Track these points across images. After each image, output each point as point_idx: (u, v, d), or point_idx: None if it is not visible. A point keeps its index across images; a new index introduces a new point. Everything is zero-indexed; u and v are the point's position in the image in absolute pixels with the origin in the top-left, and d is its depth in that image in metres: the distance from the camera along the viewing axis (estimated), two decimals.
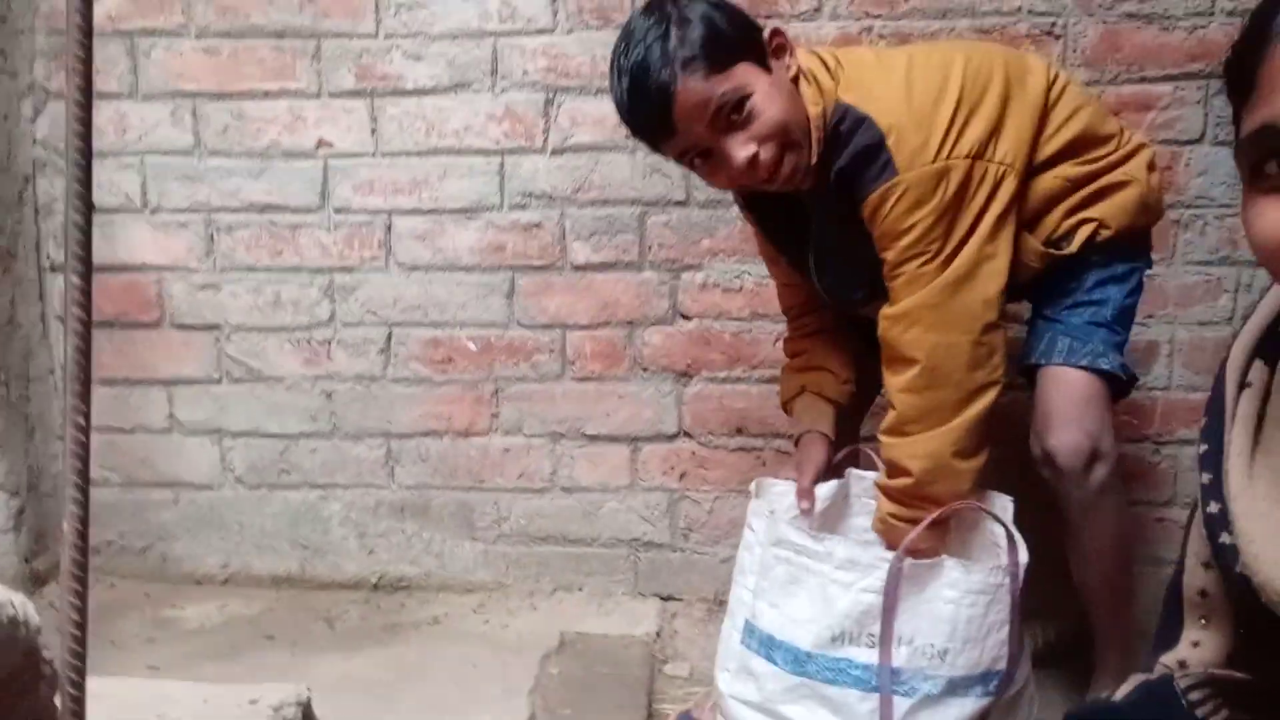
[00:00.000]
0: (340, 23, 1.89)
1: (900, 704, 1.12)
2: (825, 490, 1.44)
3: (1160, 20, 1.75)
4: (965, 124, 1.19)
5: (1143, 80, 1.77)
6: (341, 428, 2.01)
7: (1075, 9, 1.76)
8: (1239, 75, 0.61)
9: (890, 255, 1.22)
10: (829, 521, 1.45)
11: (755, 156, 1.18)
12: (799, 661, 1.16)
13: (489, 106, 1.89)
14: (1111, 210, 1.30)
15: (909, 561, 1.15)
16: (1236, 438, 0.65)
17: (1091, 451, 1.28)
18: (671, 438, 1.96)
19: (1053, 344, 1.33)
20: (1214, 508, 0.65)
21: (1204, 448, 0.68)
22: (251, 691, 1.05)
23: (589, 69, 1.86)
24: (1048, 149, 1.27)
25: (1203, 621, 0.75)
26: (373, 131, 1.92)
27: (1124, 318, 1.34)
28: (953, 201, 1.18)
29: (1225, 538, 0.63)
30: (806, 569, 1.20)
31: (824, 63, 1.26)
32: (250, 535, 2.05)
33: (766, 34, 1.23)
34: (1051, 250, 1.30)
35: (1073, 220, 1.30)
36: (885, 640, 1.14)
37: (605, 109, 1.86)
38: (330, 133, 1.93)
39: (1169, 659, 0.77)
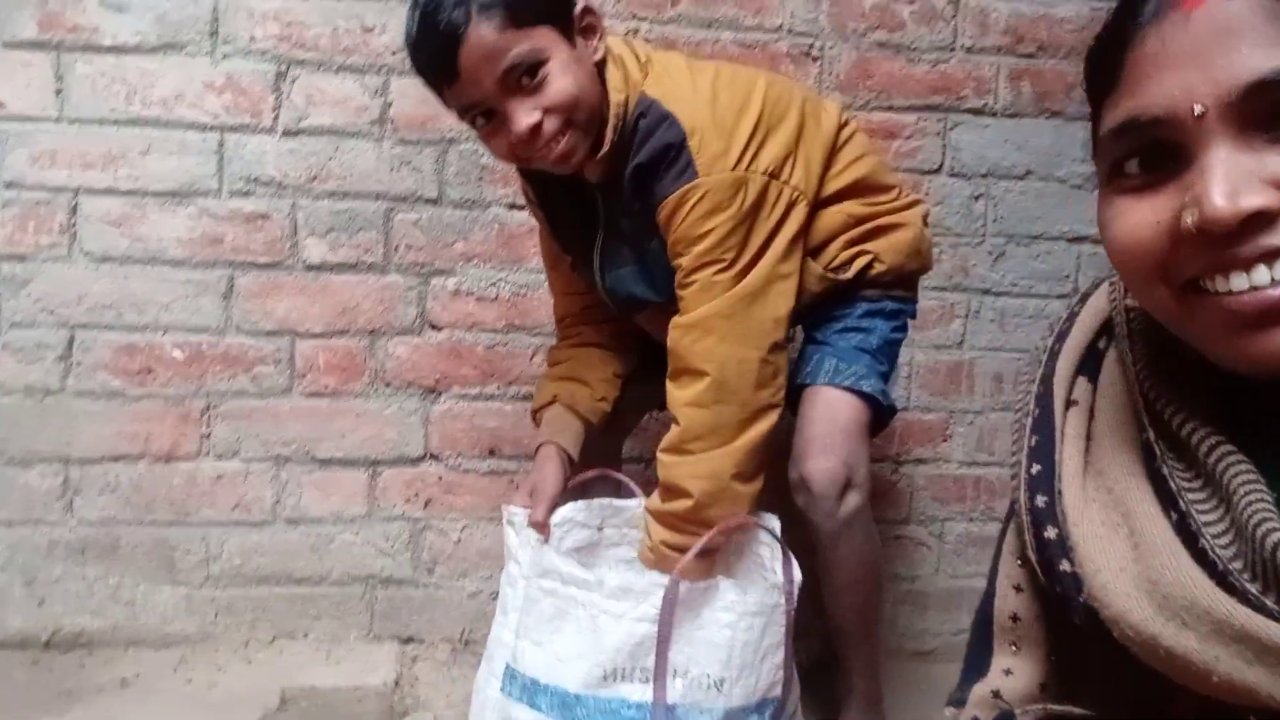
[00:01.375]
0: None
1: None
2: (572, 514, 1.32)
3: (907, 51, 1.82)
4: (764, 142, 1.20)
5: (890, 109, 1.83)
6: (4, 450, 1.64)
7: (832, 33, 1.80)
8: (1102, 66, 0.57)
9: (685, 261, 1.19)
10: (582, 556, 1.33)
11: (539, 125, 1.13)
12: (567, 706, 1.04)
13: (206, 74, 1.63)
14: (887, 247, 1.35)
15: (684, 585, 1.06)
16: (1068, 459, 0.62)
17: (845, 480, 1.28)
18: (416, 461, 1.77)
19: (819, 365, 1.34)
20: (1051, 533, 0.61)
21: (1036, 468, 0.64)
22: None
23: (329, 42, 1.65)
24: (833, 185, 1.31)
25: (1013, 648, 0.71)
26: (58, 92, 1.60)
27: (889, 350, 1.38)
28: (749, 213, 1.18)
29: (1065, 565, 0.58)
30: (574, 600, 1.08)
31: (635, 54, 1.23)
32: None
33: (578, 9, 1.17)
34: (830, 275, 1.32)
35: (851, 251, 1.33)
36: (660, 675, 1.04)
37: (348, 89, 1.67)
38: (2, 90, 1.58)
39: (980, 689, 0.71)
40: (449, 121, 1.70)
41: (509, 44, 1.09)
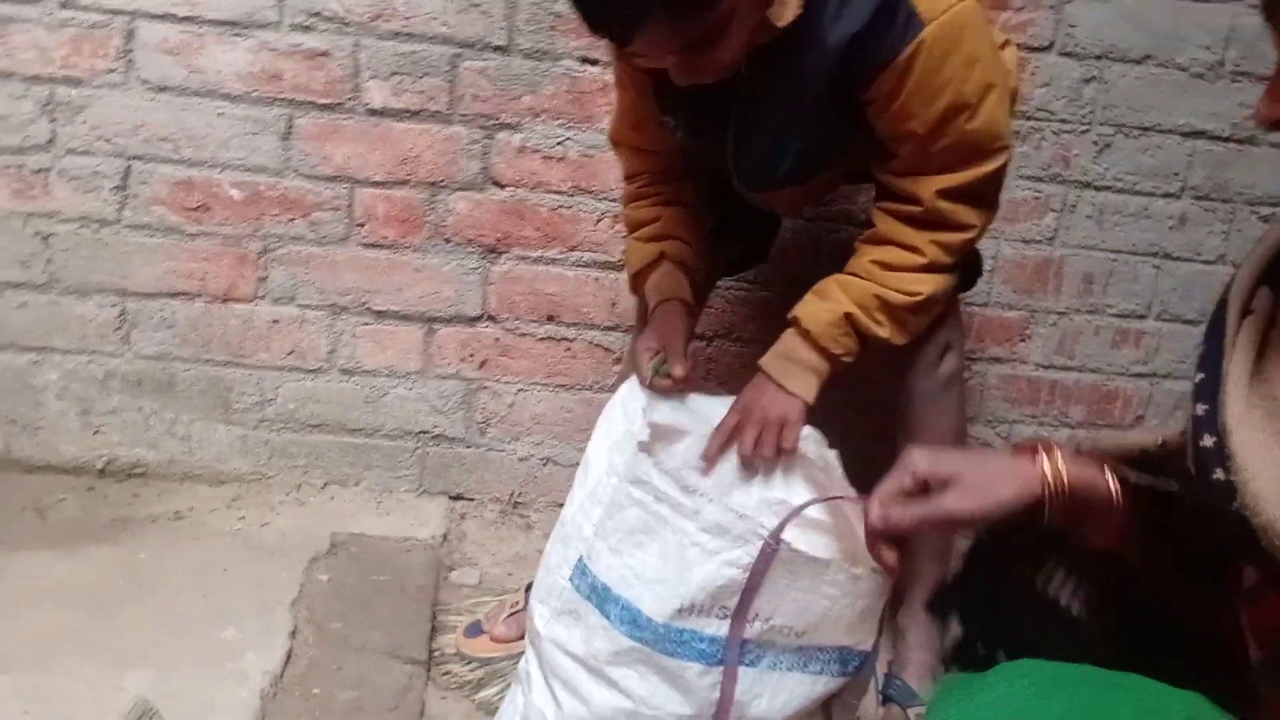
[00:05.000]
0: None
1: (745, 681, 0.98)
2: (668, 401, 1.24)
3: None
4: None
5: None
6: (61, 279, 1.64)
7: None
8: None
9: (919, 123, 1.11)
10: (677, 438, 1.25)
11: (716, 69, 1.05)
12: (637, 625, 0.97)
13: None
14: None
15: (788, 547, 0.97)
16: (1235, 367, 0.59)
17: (945, 341, 1.29)
18: (473, 320, 1.74)
19: None
20: (1208, 441, 0.58)
21: (1200, 376, 0.61)
22: None
23: None
24: None
25: None
26: None
27: None
28: (973, 47, 1.09)
29: (1219, 474, 0.56)
30: (665, 521, 0.99)
31: None
32: None
33: None
34: None
35: None
36: (740, 615, 0.97)
37: None
38: None
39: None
40: None
41: (687, 31, 0.98)
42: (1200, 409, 0.60)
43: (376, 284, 1.69)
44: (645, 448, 1.01)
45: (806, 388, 1.18)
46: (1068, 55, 1.72)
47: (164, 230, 1.64)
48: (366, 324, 1.72)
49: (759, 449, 1.15)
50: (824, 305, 1.18)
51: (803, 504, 1.01)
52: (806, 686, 1.02)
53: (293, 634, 1.34)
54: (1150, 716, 0.54)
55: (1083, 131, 1.75)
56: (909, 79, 1.08)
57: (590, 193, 1.69)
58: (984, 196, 1.19)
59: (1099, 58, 1.71)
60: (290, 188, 1.64)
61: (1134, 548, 0.72)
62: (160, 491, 1.68)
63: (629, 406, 1.17)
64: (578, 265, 1.73)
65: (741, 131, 1.22)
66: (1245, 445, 0.56)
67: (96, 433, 1.70)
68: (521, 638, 1.37)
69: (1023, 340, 1.86)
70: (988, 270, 1.79)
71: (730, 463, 1.17)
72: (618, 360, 1.77)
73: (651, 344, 1.23)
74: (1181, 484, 0.65)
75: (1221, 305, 0.63)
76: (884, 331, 1.18)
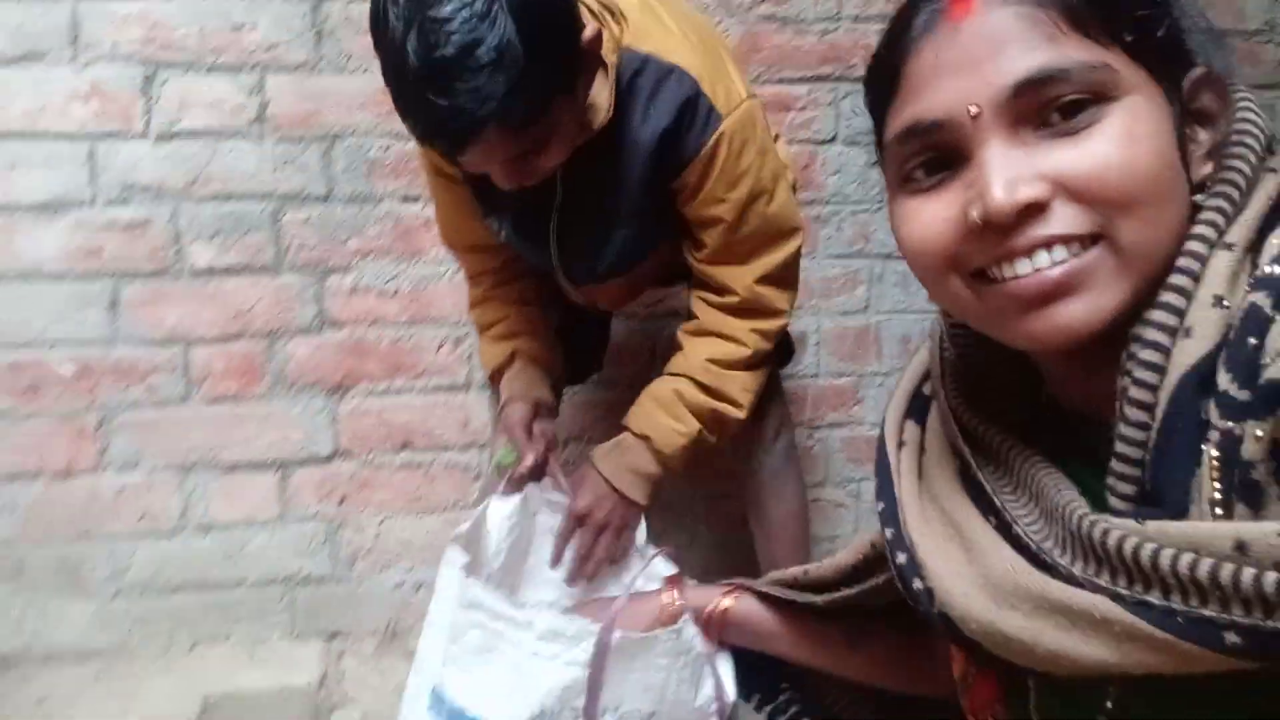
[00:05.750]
0: None
1: None
2: (508, 510, 1.30)
3: (794, 23, 1.82)
4: (733, 61, 1.22)
5: (781, 81, 1.83)
6: None
7: (719, 8, 1.78)
8: (882, 78, 0.61)
9: (726, 208, 1.19)
10: (516, 545, 1.32)
11: (541, 173, 1.10)
12: None
13: (71, 82, 1.57)
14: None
15: (619, 634, 1.04)
16: (905, 490, 0.68)
17: (778, 419, 1.43)
18: (327, 459, 1.76)
19: None
20: (901, 558, 0.65)
21: (880, 505, 0.70)
22: None
23: (196, 42, 1.60)
24: None
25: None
26: None
27: None
28: (763, 136, 1.20)
29: (918, 583, 0.63)
30: (503, 638, 1.04)
31: (606, 8, 1.15)
32: None
33: (583, 50, 1.05)
34: None
35: None
36: (590, 712, 1.03)
37: (220, 90, 1.62)
38: None
39: None
40: (332, 116, 1.68)
41: (520, 141, 1.02)
42: (889, 533, 0.67)
43: (223, 438, 1.71)
44: (468, 570, 1.07)
45: (646, 495, 1.25)
46: (852, 144, 1.89)
47: None
48: (217, 479, 1.72)
49: (596, 553, 1.21)
50: (673, 426, 1.25)
51: (624, 594, 1.08)
52: None
53: None
54: None
55: (877, 209, 1.91)
56: (714, 167, 1.16)
57: (429, 321, 1.76)
58: (788, 279, 1.29)
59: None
60: (123, 356, 1.65)
61: (827, 659, 0.90)
62: (20, 680, 1.63)
63: (461, 533, 1.23)
64: (425, 391, 1.78)
65: (564, 227, 1.28)
66: (929, 554, 0.62)
67: None
68: None
69: (856, 404, 1.98)
70: (814, 344, 1.92)
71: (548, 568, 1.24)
72: (477, 477, 1.82)
73: (499, 439, 1.31)
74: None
75: (879, 444, 0.73)
76: (717, 441, 1.28)
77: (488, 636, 1.06)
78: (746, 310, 1.27)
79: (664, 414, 1.26)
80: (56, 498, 1.66)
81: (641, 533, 1.26)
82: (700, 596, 1.01)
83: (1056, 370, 0.64)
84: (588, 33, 1.05)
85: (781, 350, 1.42)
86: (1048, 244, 0.54)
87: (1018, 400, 0.66)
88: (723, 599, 0.97)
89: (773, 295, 1.27)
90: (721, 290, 1.26)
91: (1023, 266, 0.54)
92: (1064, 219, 0.53)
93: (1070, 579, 0.53)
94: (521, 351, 1.38)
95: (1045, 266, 0.54)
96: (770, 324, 1.28)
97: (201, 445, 1.70)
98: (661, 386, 1.28)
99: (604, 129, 1.13)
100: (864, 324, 1.95)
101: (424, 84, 0.94)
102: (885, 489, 0.70)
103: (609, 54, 1.12)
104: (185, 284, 1.66)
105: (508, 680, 1.03)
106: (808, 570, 0.88)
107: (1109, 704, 0.58)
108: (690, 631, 1.04)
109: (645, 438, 1.26)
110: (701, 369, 1.26)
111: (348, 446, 1.77)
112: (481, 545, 1.17)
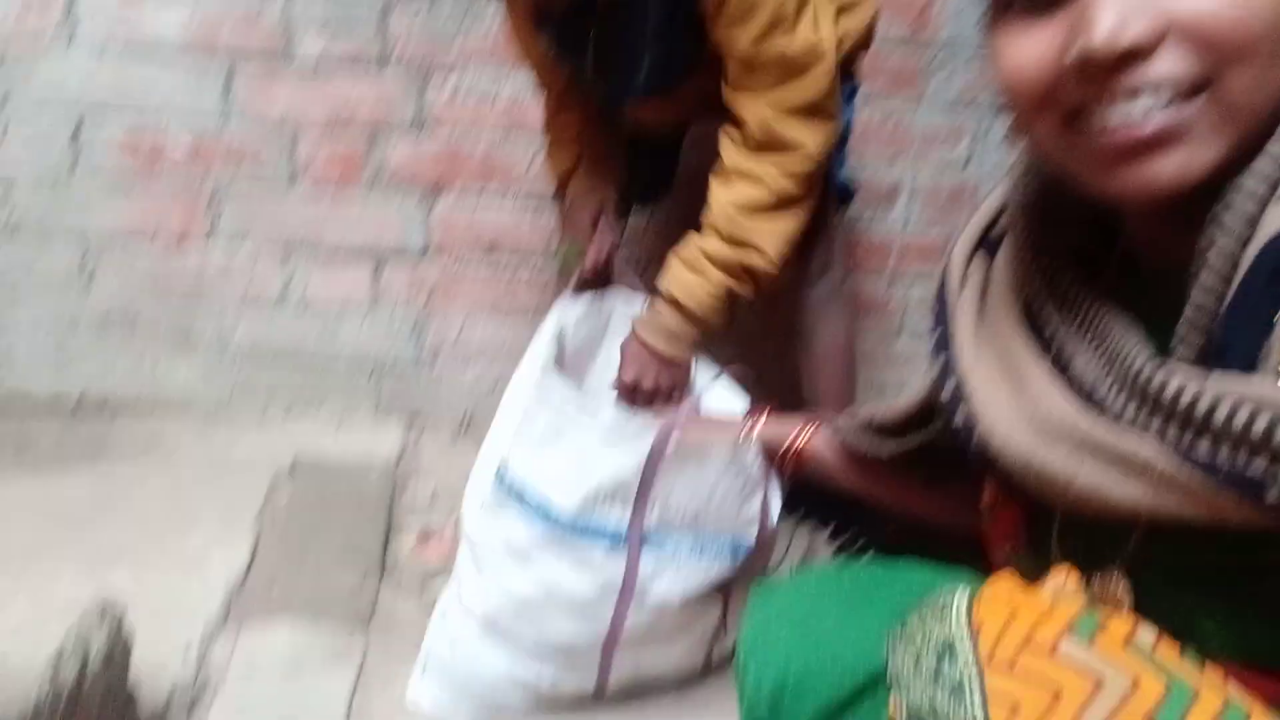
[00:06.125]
0: None
1: (647, 562, 1.13)
2: (579, 308, 1.39)
3: None
4: None
5: None
6: (23, 228, 1.74)
7: None
8: None
9: (745, 34, 1.17)
10: (588, 343, 1.40)
11: None
12: (549, 518, 1.12)
13: None
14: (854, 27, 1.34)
15: (676, 439, 1.10)
16: (961, 326, 0.67)
17: (825, 259, 1.43)
18: (419, 256, 1.85)
19: None
20: (949, 387, 0.67)
21: (938, 331, 0.70)
22: None
23: None
24: None
25: None
26: None
27: (844, 133, 1.40)
28: None
29: (960, 414, 0.64)
30: (570, 426, 1.13)
31: None
32: None
33: None
34: None
35: None
36: (640, 504, 1.12)
37: None
38: None
39: None
40: None
41: None
42: (940, 361, 0.67)
43: (323, 224, 1.80)
44: (553, 363, 1.15)
45: (687, 354, 1.29)
46: None
47: (117, 181, 1.74)
48: (316, 262, 1.82)
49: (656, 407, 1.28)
50: (700, 284, 1.26)
51: (688, 407, 1.15)
52: (701, 573, 1.17)
53: (256, 541, 1.47)
54: (917, 591, 0.62)
55: None
56: None
57: (525, 129, 1.78)
58: (815, 112, 1.22)
59: None
60: (234, 136, 1.73)
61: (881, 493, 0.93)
62: (131, 422, 1.81)
63: (548, 328, 1.31)
64: (516, 197, 1.83)
65: (599, 46, 1.29)
66: (977, 386, 0.63)
67: (68, 369, 1.83)
68: None
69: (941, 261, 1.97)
70: (906, 196, 1.91)
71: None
72: (558, 288, 1.88)
73: (564, 238, 1.36)
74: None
75: (943, 274, 0.72)
76: (752, 292, 1.27)
77: (556, 423, 1.14)
78: (763, 145, 1.23)
79: (690, 273, 1.26)
80: (170, 261, 1.79)
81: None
82: (775, 430, 1.05)
83: (1137, 222, 0.62)
84: None
85: (830, 196, 1.40)
86: (1150, 88, 0.51)
87: (1093, 249, 0.65)
88: (799, 435, 1.01)
89: (791, 129, 1.22)
90: (739, 122, 1.24)
91: (1117, 115, 0.52)
92: (1171, 62, 0.51)
93: (1119, 420, 0.54)
94: (587, 156, 1.43)
95: (1140, 118, 0.52)
96: (791, 161, 1.22)
97: (303, 229, 1.80)
98: (688, 245, 1.28)
99: None
100: (961, 181, 1.92)
101: None
102: (941, 320, 0.69)
103: None
104: (295, 73, 1.70)
105: (569, 464, 1.12)
106: (874, 415, 0.90)
107: (1130, 547, 0.59)
108: (750, 456, 1.11)
109: (674, 300, 1.27)
110: (725, 219, 1.24)
111: (438, 245, 1.84)
112: (557, 343, 1.25)
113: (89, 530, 1.45)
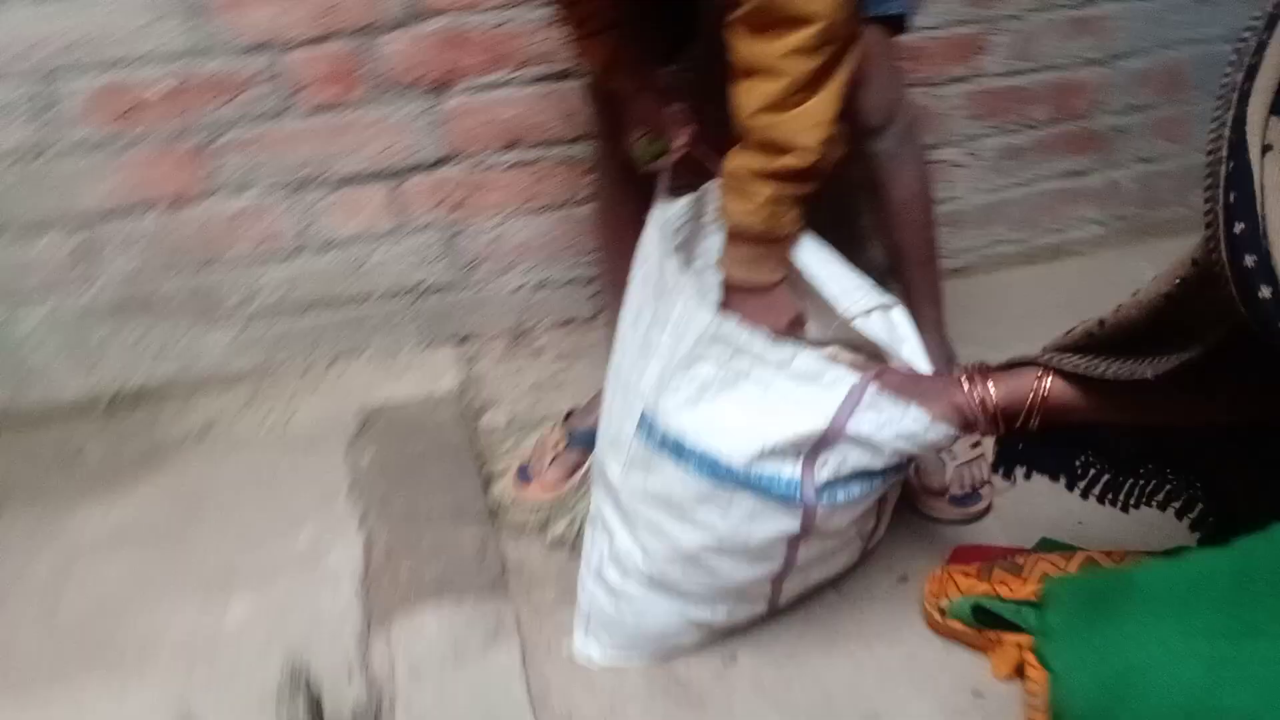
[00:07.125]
0: None
1: (823, 508, 1.02)
2: (676, 210, 1.24)
3: None
4: None
5: None
6: (8, 225, 1.53)
7: None
8: None
9: None
10: (686, 245, 1.26)
11: None
12: (717, 473, 1.00)
13: None
14: None
15: (872, 390, 0.97)
16: (1272, 212, 0.59)
17: (884, 104, 1.30)
18: (435, 165, 1.66)
19: None
20: (1250, 260, 0.59)
21: (1239, 226, 0.60)
22: None
23: None
24: None
25: None
26: None
27: None
28: None
29: (1265, 290, 0.58)
30: (745, 375, 1.01)
31: None
32: None
33: None
34: None
35: None
36: (810, 459, 1.01)
37: None
38: None
39: None
40: None
41: None
42: (1239, 227, 0.60)
43: (328, 151, 1.60)
44: (704, 298, 1.02)
45: (778, 271, 1.15)
46: None
47: (96, 146, 1.51)
48: (328, 195, 1.64)
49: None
50: (748, 208, 1.12)
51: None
52: (870, 499, 1.08)
53: (362, 521, 1.38)
54: None
55: None
56: None
57: (526, 2, 1.57)
58: None
59: None
60: (215, 69, 1.49)
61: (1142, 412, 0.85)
62: (177, 411, 1.66)
63: (663, 245, 1.15)
64: (531, 81, 1.63)
65: None
66: None
67: (91, 369, 1.66)
68: (570, 476, 1.44)
69: (979, 52, 1.82)
70: None
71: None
72: (589, 170, 1.72)
73: (634, 131, 1.23)
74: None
75: (1234, 145, 0.61)
76: (807, 188, 1.12)
77: (724, 373, 1.02)
78: (763, 23, 1.05)
79: (736, 199, 1.13)
80: (174, 227, 1.59)
81: None
82: (1011, 390, 0.93)
83: None
84: None
85: (876, 35, 1.26)
86: None
87: None
88: (1039, 385, 0.91)
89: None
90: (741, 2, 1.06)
91: None
92: None
93: None
94: (626, 39, 1.24)
95: None
96: (803, 35, 1.04)
97: (308, 161, 1.60)
98: (728, 165, 1.14)
99: None
100: None
101: None
102: (1245, 206, 0.60)
103: None
104: None
105: (742, 416, 1.00)
106: (1104, 320, 0.80)
107: None
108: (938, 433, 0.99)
109: (735, 231, 1.15)
110: (754, 128, 1.09)
111: (455, 149, 1.66)
112: (678, 260, 1.11)
113: (185, 551, 1.34)
